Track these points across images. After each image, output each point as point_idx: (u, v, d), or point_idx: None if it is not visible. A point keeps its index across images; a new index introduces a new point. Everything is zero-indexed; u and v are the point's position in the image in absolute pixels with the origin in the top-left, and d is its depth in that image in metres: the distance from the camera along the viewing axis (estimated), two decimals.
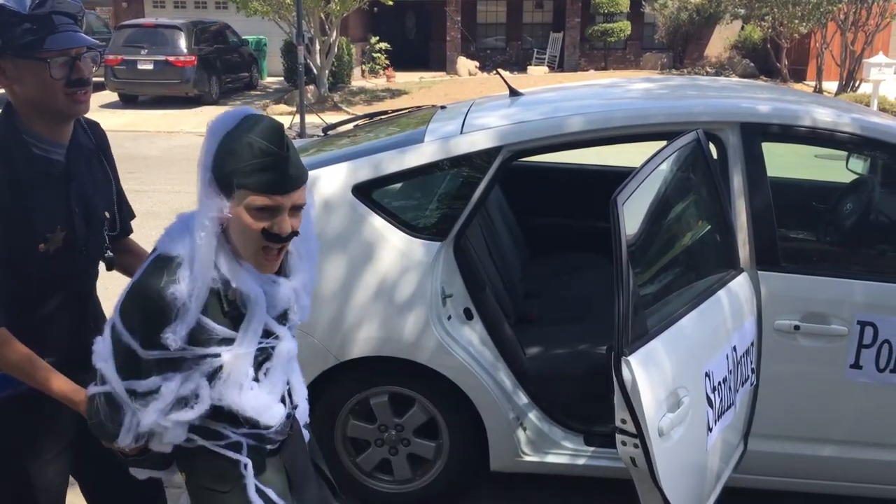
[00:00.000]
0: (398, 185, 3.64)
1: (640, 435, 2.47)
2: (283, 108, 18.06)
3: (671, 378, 2.60)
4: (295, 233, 1.88)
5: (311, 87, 18.47)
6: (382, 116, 4.63)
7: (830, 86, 20.32)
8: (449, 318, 3.41)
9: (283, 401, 2.04)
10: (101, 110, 17.50)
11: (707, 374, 2.76)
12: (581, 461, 3.46)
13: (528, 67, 27.12)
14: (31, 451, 2.18)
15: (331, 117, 14.75)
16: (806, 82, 22.74)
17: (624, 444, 2.55)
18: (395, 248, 3.34)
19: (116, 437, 1.94)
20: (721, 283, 3.08)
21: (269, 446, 2.03)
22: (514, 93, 4.19)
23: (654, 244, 3.19)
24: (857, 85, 19.25)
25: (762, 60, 25.07)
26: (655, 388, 2.51)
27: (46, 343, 2.10)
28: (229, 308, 1.88)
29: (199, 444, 1.97)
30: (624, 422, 2.51)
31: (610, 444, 2.96)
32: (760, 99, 3.72)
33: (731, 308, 3.02)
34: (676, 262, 3.19)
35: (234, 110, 1.90)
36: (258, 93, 21.66)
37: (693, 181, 3.32)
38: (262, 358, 1.96)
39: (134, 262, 2.39)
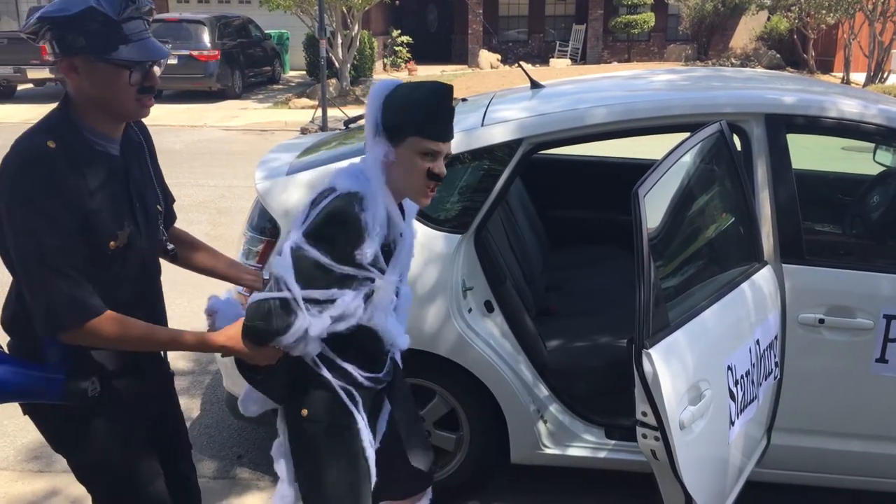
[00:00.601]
0: None
1: (660, 428, 2.47)
2: (305, 101, 18.12)
3: (693, 371, 2.59)
4: (444, 175, 2.25)
5: (333, 81, 18.51)
6: None
7: (858, 77, 20.10)
8: (470, 310, 3.42)
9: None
10: None
11: (729, 368, 2.75)
12: (602, 454, 3.46)
13: (551, 60, 27.03)
14: (120, 446, 2.21)
15: (353, 111, 14.79)
16: (833, 74, 22.51)
17: (645, 436, 2.54)
18: (416, 241, 3.33)
19: (276, 337, 2.12)
20: (744, 275, 3.06)
21: (380, 387, 2.38)
22: (535, 85, 4.18)
23: (676, 236, 3.18)
24: (885, 76, 19.03)
25: (788, 52, 24.85)
26: (676, 381, 2.50)
27: (121, 354, 2.15)
28: (383, 244, 2.20)
29: (324, 377, 2.25)
30: (645, 414, 2.51)
31: (631, 437, 2.96)
32: (786, 90, 3.68)
33: (754, 301, 3.01)
34: (699, 254, 3.18)
35: (386, 80, 2.27)
36: (281, 87, 21.75)
37: (716, 173, 3.30)
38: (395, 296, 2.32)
39: (193, 254, 2.48)
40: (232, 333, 2.18)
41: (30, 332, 2.06)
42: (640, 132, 3.48)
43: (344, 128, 4.83)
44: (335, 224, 2.10)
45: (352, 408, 2.29)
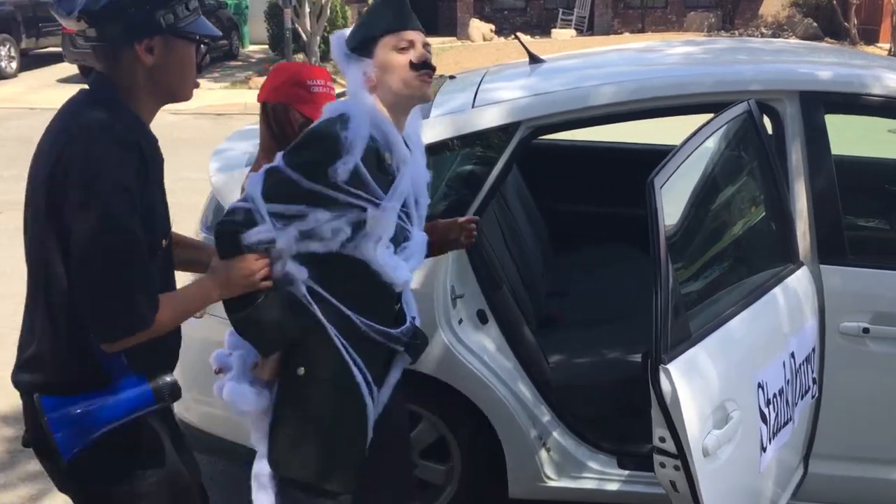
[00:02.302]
0: None
1: (681, 455, 2.47)
2: None
3: (718, 389, 2.60)
4: (433, 65, 2.47)
5: (301, 56, 18.48)
6: None
7: None
8: (460, 321, 3.42)
9: (402, 312, 2.63)
10: (59, 86, 17.57)
11: (760, 385, 2.76)
12: (613, 486, 3.47)
13: (553, 31, 27.09)
14: (166, 458, 2.34)
15: None
16: (878, 45, 22.64)
17: (663, 465, 2.55)
18: None
19: (241, 233, 2.33)
20: (777, 279, 3.08)
21: (397, 346, 2.57)
22: (534, 60, 4.18)
23: (698, 234, 3.20)
24: None
25: (827, 20, 24.98)
26: (699, 401, 2.51)
27: (159, 346, 2.25)
28: (381, 168, 2.40)
29: (320, 322, 2.41)
30: (663, 440, 2.52)
31: (647, 466, 2.96)
32: (823, 63, 3.71)
33: (788, 308, 3.02)
34: (724, 254, 3.20)
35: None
36: (239, 63, 21.71)
37: (744, 160, 3.32)
38: (402, 237, 2.51)
39: (184, 251, 2.58)
40: (217, 276, 2.35)
41: (69, 363, 2.14)
42: (655, 114, 3.49)
43: None
44: (310, 141, 2.35)
45: (354, 370, 2.46)
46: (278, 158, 2.37)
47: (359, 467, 2.55)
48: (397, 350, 2.61)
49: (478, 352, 3.41)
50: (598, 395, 3.70)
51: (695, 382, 2.53)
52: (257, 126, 3.11)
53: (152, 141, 2.21)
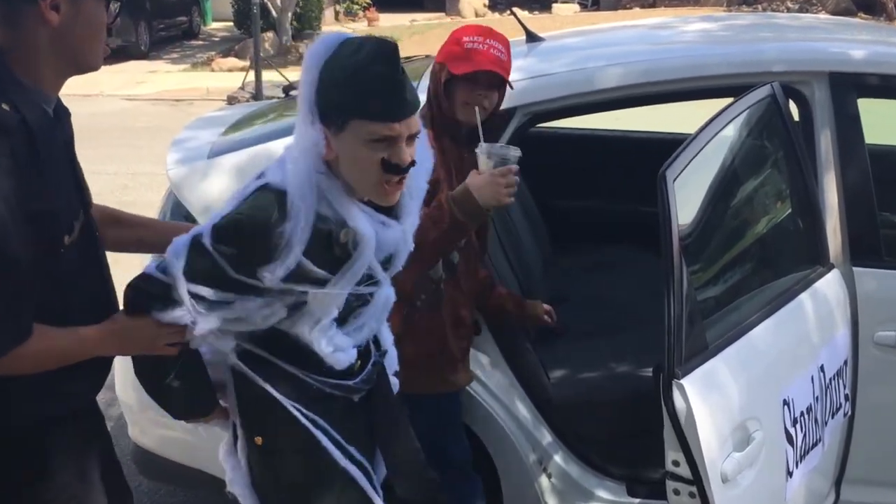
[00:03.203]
0: None
1: (697, 481, 2.48)
2: (232, 62, 18.09)
3: (738, 407, 2.61)
4: (413, 163, 2.21)
5: (270, 35, 18.48)
6: None
7: None
8: None
9: (367, 349, 2.49)
10: None
11: (786, 402, 2.77)
12: None
13: (554, 5, 27.12)
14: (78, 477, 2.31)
15: (295, 74, 14.76)
16: None
17: (677, 492, 2.55)
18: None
19: (153, 302, 2.18)
20: (805, 283, 3.09)
21: (354, 396, 2.44)
22: (532, 38, 4.19)
23: (716, 233, 3.20)
24: None
25: None
26: (717, 421, 2.52)
27: None
28: (339, 251, 2.23)
29: (256, 384, 2.33)
30: (676, 464, 2.52)
31: (659, 493, 2.96)
32: (856, 42, 3.72)
33: (817, 316, 3.04)
34: (746, 256, 3.20)
35: (330, 35, 2.24)
36: (201, 42, 21.72)
37: (767, 150, 3.33)
38: (358, 304, 2.37)
39: (119, 230, 2.55)
40: (109, 325, 2.22)
41: None
42: (668, 98, 3.50)
43: (284, 95, 4.84)
44: (241, 230, 2.16)
45: (317, 434, 2.36)
46: (207, 226, 2.20)
47: None
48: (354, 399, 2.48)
49: (470, 365, 3.40)
50: (604, 414, 3.69)
51: (712, 399, 2.53)
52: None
53: (48, 118, 2.13)
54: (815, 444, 2.95)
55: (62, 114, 2.26)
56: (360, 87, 2.13)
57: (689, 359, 2.54)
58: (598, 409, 3.70)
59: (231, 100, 13.70)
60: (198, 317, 2.18)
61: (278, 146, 3.43)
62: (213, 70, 17.75)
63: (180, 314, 2.17)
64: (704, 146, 2.73)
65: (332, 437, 2.38)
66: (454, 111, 3.03)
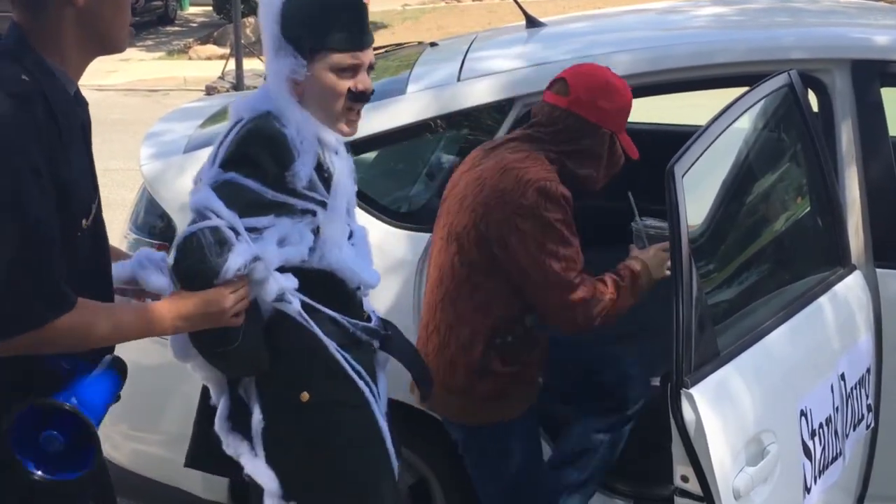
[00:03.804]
0: (371, 155, 3.67)
1: (707, 498, 2.48)
2: (211, 49, 18.08)
3: (752, 418, 2.61)
4: (373, 91, 2.51)
5: (251, 21, 18.45)
6: None
7: None
8: None
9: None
10: None
11: (803, 413, 2.78)
12: None
13: None
14: None
15: None
16: None
17: None
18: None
19: (218, 272, 2.28)
20: (824, 285, 3.10)
21: (376, 342, 2.66)
22: (532, 23, 4.21)
23: (729, 232, 3.21)
24: None
25: None
26: (729, 433, 2.53)
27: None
28: (319, 168, 2.45)
29: (317, 337, 2.48)
30: (686, 479, 2.52)
31: None
32: (879, 27, 3.73)
33: (838, 320, 3.05)
34: (761, 257, 3.21)
35: None
36: (177, 28, 21.71)
37: (784, 144, 3.34)
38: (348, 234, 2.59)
39: None
40: (177, 305, 2.31)
41: None
42: (678, 87, 3.52)
43: None
44: (257, 142, 2.37)
45: (357, 380, 2.54)
46: (216, 173, 2.39)
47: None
48: (375, 349, 2.67)
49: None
50: None
51: (724, 410, 2.54)
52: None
53: (68, 96, 2.20)
54: (835, 459, 2.96)
55: (81, 100, 2.32)
56: (328, 19, 2.41)
57: (699, 367, 2.54)
58: None
59: (210, 90, 13.70)
60: (258, 245, 2.34)
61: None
62: (190, 58, 17.75)
63: (243, 250, 2.30)
64: (716, 139, 2.72)
65: (371, 390, 2.58)
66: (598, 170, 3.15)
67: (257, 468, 2.53)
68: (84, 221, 2.20)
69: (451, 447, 3.44)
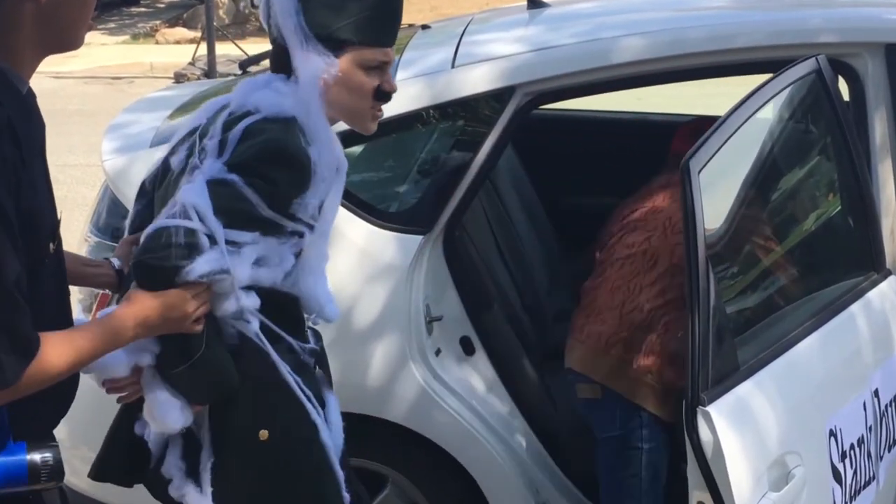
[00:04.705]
0: (356, 150, 3.67)
1: None
2: (181, 32, 18.05)
3: (776, 439, 2.62)
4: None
5: (224, 1, 18.47)
6: None
7: None
8: (438, 352, 3.44)
9: None
10: None
11: (832, 433, 2.78)
12: None
13: None
14: None
15: (253, 47, 14.75)
16: None
17: None
18: (352, 246, 3.37)
19: (178, 273, 2.29)
20: (856, 292, 3.11)
21: (313, 361, 2.66)
22: (535, 3, 4.21)
23: (750, 234, 3.20)
24: None
25: None
26: (751, 455, 2.54)
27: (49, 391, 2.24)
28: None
29: (272, 362, 2.49)
30: None
31: None
32: None
33: (871, 331, 3.06)
34: (786, 261, 3.22)
35: None
36: (143, 9, 21.67)
37: (811, 136, 3.34)
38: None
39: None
40: (137, 310, 2.31)
41: None
42: (695, 74, 3.53)
43: (241, 72, 4.85)
44: (278, 160, 2.37)
45: (310, 409, 2.55)
46: (219, 170, 2.38)
47: None
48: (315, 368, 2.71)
49: (461, 392, 3.43)
50: None
51: (745, 430, 2.55)
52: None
53: (23, 99, 2.17)
54: (867, 483, 2.96)
55: (32, 99, 2.28)
56: (359, 13, 2.42)
57: (716, 383, 2.55)
58: None
59: (179, 77, 13.69)
60: (231, 259, 2.33)
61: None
62: (157, 42, 17.71)
63: (213, 258, 2.30)
64: (736, 132, 2.74)
65: (319, 414, 2.58)
66: None
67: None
68: (51, 245, 2.19)
69: (444, 468, 3.45)
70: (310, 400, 2.55)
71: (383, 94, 2.52)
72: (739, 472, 2.50)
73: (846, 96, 3.37)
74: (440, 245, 3.45)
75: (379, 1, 2.47)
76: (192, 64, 14.53)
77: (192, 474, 2.54)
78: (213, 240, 2.30)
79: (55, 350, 2.14)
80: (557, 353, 4.20)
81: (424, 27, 4.37)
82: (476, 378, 3.48)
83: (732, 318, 2.76)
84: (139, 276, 2.34)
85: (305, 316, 2.67)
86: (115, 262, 2.71)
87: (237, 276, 2.35)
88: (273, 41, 2.53)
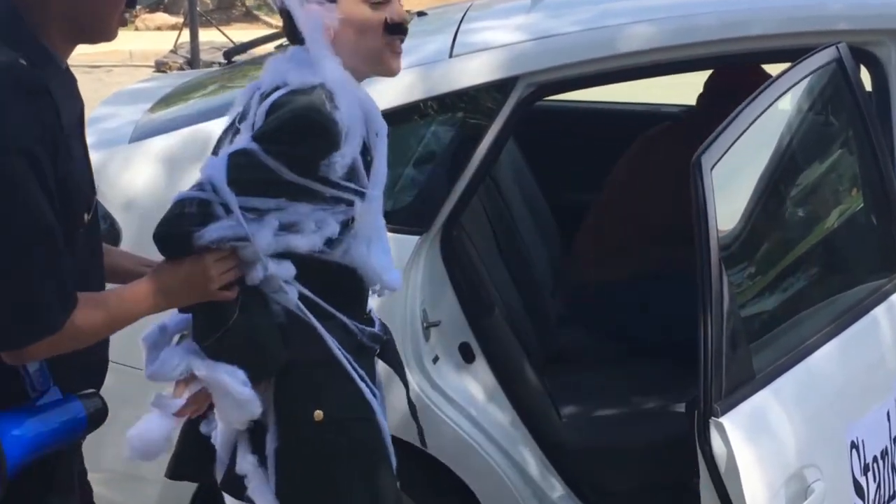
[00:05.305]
0: None
1: None
2: (162, 18, 18.08)
3: (793, 451, 2.62)
4: (406, 27, 2.61)
5: None
6: None
7: None
8: (435, 359, 3.45)
9: None
10: None
11: (854, 445, 2.78)
12: None
13: None
14: None
15: (239, 34, 14.75)
16: None
17: None
18: None
19: (190, 238, 2.37)
20: (879, 295, 3.11)
21: (377, 347, 2.75)
22: None
23: (765, 233, 3.21)
24: None
25: None
26: (767, 469, 2.54)
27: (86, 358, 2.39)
28: (362, 150, 2.53)
29: (322, 339, 2.55)
30: None
31: None
32: None
33: (895, 335, 3.06)
34: (804, 262, 3.21)
35: None
36: None
37: (832, 129, 3.34)
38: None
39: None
40: (155, 278, 2.43)
41: None
42: (709, 64, 3.56)
43: (226, 62, 4.85)
44: (303, 129, 2.43)
45: (365, 390, 2.62)
46: (245, 142, 2.46)
47: None
48: (375, 355, 2.78)
49: (460, 402, 3.43)
50: (627, 460, 3.72)
51: (760, 442, 2.55)
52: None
53: (68, 83, 2.29)
54: (891, 498, 2.96)
55: (71, 76, 2.39)
56: None
57: (730, 392, 2.55)
58: (620, 454, 3.72)
59: (160, 66, 13.73)
60: (252, 226, 2.39)
61: (220, 127, 3.45)
62: (137, 29, 17.73)
63: (225, 225, 2.37)
64: (751, 125, 2.74)
65: (376, 399, 2.66)
66: None
67: (262, 490, 2.60)
68: (86, 216, 2.29)
69: (442, 482, 3.45)
70: (363, 380, 2.61)
71: (394, 27, 2.54)
72: (755, 487, 2.50)
73: (868, 86, 3.36)
74: (438, 245, 3.46)
75: None
76: (173, 52, 14.56)
77: (263, 465, 2.60)
78: (228, 209, 2.37)
79: (87, 307, 2.25)
80: (561, 357, 4.23)
81: (420, 14, 4.37)
82: (476, 387, 3.49)
83: (747, 323, 2.75)
84: (158, 247, 2.44)
85: (371, 291, 2.73)
86: None
87: (258, 242, 2.41)
88: (281, 13, 2.59)
